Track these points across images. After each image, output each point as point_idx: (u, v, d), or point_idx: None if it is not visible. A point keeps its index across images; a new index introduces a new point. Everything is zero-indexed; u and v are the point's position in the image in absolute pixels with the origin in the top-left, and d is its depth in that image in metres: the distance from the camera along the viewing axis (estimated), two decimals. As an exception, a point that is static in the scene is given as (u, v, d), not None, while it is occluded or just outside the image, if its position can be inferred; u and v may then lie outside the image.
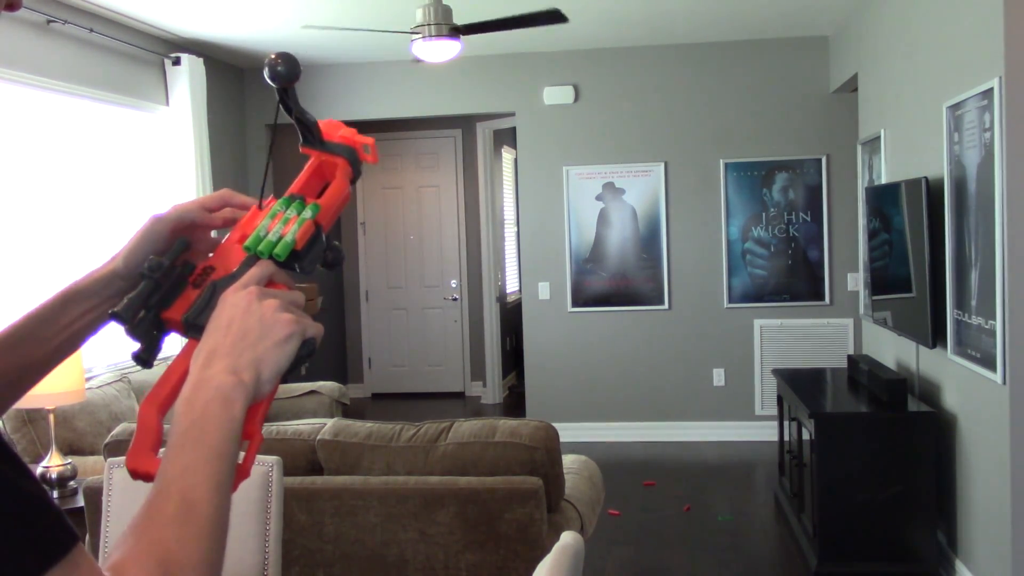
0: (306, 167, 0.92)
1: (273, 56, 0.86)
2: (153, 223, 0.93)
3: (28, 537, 0.61)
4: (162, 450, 0.76)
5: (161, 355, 0.86)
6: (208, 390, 0.75)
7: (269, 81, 0.86)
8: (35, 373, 0.97)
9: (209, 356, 0.77)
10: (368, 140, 0.94)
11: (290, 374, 0.80)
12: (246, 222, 0.88)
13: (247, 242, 0.85)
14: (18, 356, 0.93)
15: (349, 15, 5.32)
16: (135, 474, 0.77)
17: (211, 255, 0.87)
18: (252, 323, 0.78)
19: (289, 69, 0.86)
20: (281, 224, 0.85)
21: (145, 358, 0.82)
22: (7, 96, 4.43)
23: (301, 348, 0.80)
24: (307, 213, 0.86)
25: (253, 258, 0.84)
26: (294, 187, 0.90)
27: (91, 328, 0.95)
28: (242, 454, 0.78)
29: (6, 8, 0.78)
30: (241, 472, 0.77)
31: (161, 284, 0.82)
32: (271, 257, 0.84)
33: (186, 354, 0.81)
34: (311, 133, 0.92)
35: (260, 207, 0.90)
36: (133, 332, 0.81)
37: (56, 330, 0.93)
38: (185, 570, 0.70)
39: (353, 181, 0.95)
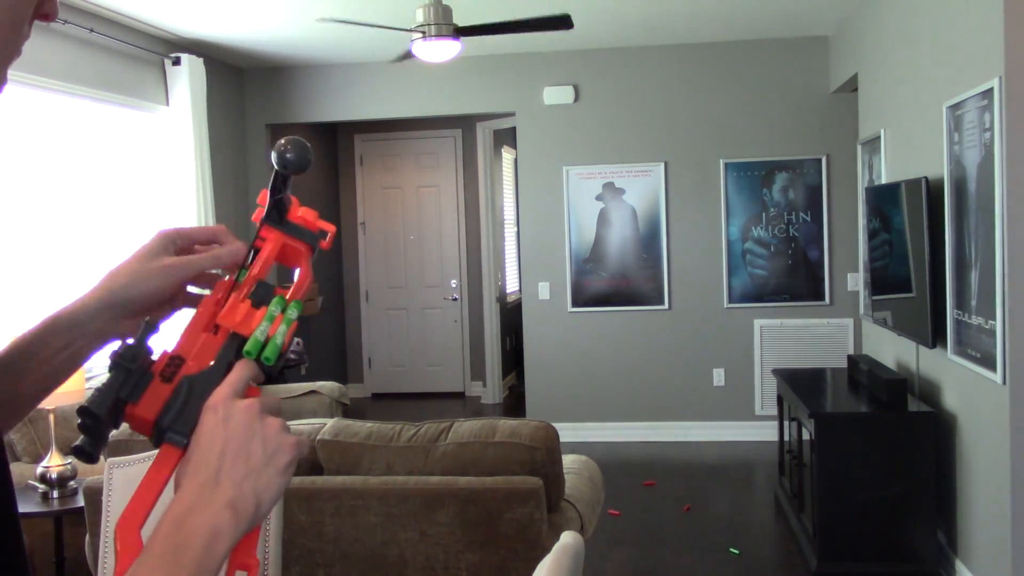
0: (267, 248, 0.85)
1: (284, 142, 0.82)
2: (142, 260, 0.87)
3: None
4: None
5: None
6: (201, 518, 0.68)
7: (277, 167, 0.82)
8: (20, 406, 0.92)
9: (207, 479, 0.70)
10: (328, 227, 0.88)
11: None
12: (216, 304, 0.81)
13: (247, 347, 0.77)
14: (9, 387, 0.89)
15: (349, 14, 5.31)
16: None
17: (176, 345, 0.78)
18: (256, 448, 0.72)
19: (300, 158, 0.82)
20: (266, 324, 0.78)
21: (91, 452, 0.73)
22: (7, 96, 4.43)
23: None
24: (292, 313, 0.81)
25: (229, 346, 0.78)
26: (259, 270, 0.83)
27: (75, 361, 0.90)
28: None
29: (41, 18, 0.76)
30: None
31: (132, 375, 0.74)
32: (257, 360, 0.77)
33: (162, 466, 0.73)
34: (280, 214, 0.86)
35: (237, 278, 0.83)
36: (93, 427, 0.73)
37: (38, 362, 0.88)
38: None
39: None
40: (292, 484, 2.95)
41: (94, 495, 2.98)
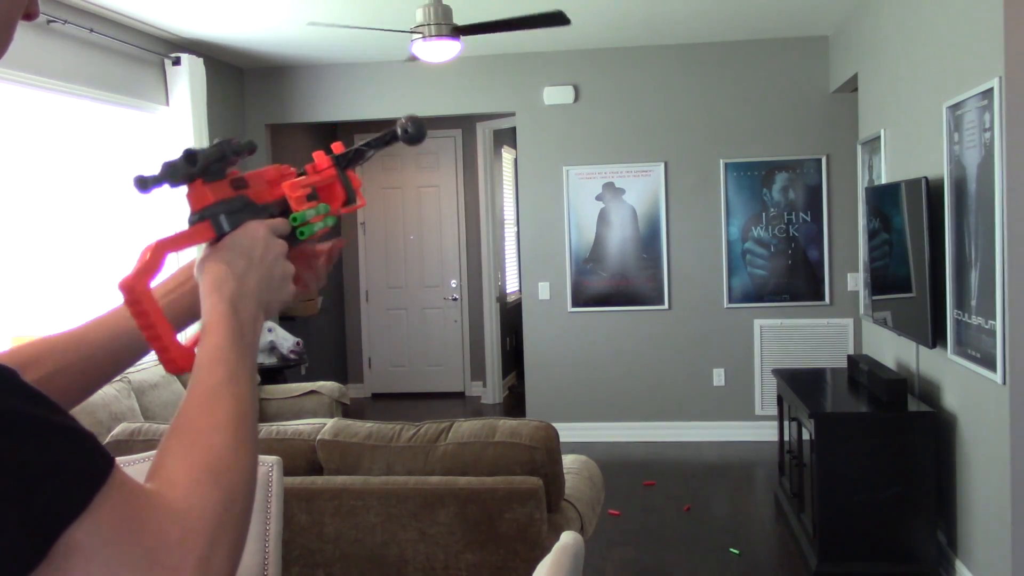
0: (325, 173, 1.03)
1: (404, 119, 1.02)
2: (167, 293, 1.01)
3: (72, 468, 0.63)
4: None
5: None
6: (247, 309, 0.85)
7: (401, 137, 1.02)
8: (109, 373, 1.03)
9: (245, 274, 0.86)
10: (363, 201, 1.09)
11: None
12: (280, 175, 0.97)
13: (295, 215, 0.94)
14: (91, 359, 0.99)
15: (349, 15, 5.32)
16: (131, 290, 0.80)
17: (248, 173, 0.93)
18: (278, 272, 0.89)
19: (418, 131, 1.02)
20: (313, 212, 0.97)
21: (151, 184, 0.84)
22: (7, 96, 4.43)
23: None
24: (329, 221, 1.00)
25: (276, 205, 0.94)
26: (314, 178, 1.02)
27: (65, 394, 0.98)
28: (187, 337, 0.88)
29: (24, 18, 0.81)
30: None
31: (220, 161, 0.87)
32: (293, 231, 0.94)
33: (195, 236, 0.87)
34: (349, 164, 1.05)
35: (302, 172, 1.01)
36: (172, 168, 0.84)
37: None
38: (235, 474, 0.75)
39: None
40: (292, 484, 2.96)
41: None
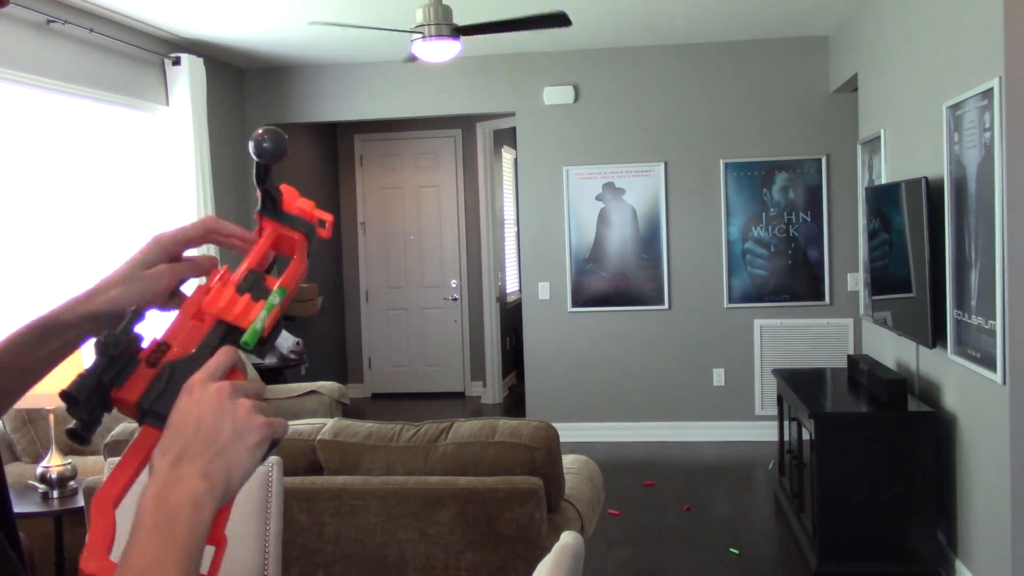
0: (263, 238, 0.87)
1: (260, 131, 0.84)
2: (132, 268, 0.89)
3: None
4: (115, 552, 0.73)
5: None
6: (179, 491, 0.71)
7: (254, 156, 0.84)
8: (6, 401, 0.94)
9: (179, 457, 0.73)
10: (326, 216, 0.90)
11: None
12: (204, 295, 0.83)
13: (243, 340, 0.81)
14: None
15: (349, 15, 5.32)
16: None
17: (165, 332, 0.81)
18: (225, 427, 0.74)
19: (276, 146, 0.84)
20: (264, 314, 0.82)
21: (84, 435, 0.76)
22: (7, 96, 4.43)
23: (269, 449, 0.78)
24: (274, 299, 0.83)
25: (215, 333, 0.80)
26: (251, 261, 0.86)
27: (53, 362, 0.93)
28: (208, 562, 0.75)
29: None
30: None
31: (116, 361, 0.76)
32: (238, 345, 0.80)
33: (140, 447, 0.76)
34: (274, 204, 0.88)
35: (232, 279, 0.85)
36: (79, 409, 0.75)
37: (33, 361, 0.91)
38: None
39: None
40: (292, 484, 2.95)
41: (94, 495, 2.98)
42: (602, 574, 4.19)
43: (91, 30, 4.89)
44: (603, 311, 6.67)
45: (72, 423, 0.77)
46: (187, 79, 5.71)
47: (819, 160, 6.38)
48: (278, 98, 6.93)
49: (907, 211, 4.22)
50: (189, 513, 0.71)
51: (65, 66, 4.77)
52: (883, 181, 4.99)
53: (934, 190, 3.93)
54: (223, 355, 0.78)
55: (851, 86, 5.91)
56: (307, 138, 8.01)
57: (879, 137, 5.08)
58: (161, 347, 0.79)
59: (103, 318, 0.89)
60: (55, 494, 3.54)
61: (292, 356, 6.19)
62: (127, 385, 0.77)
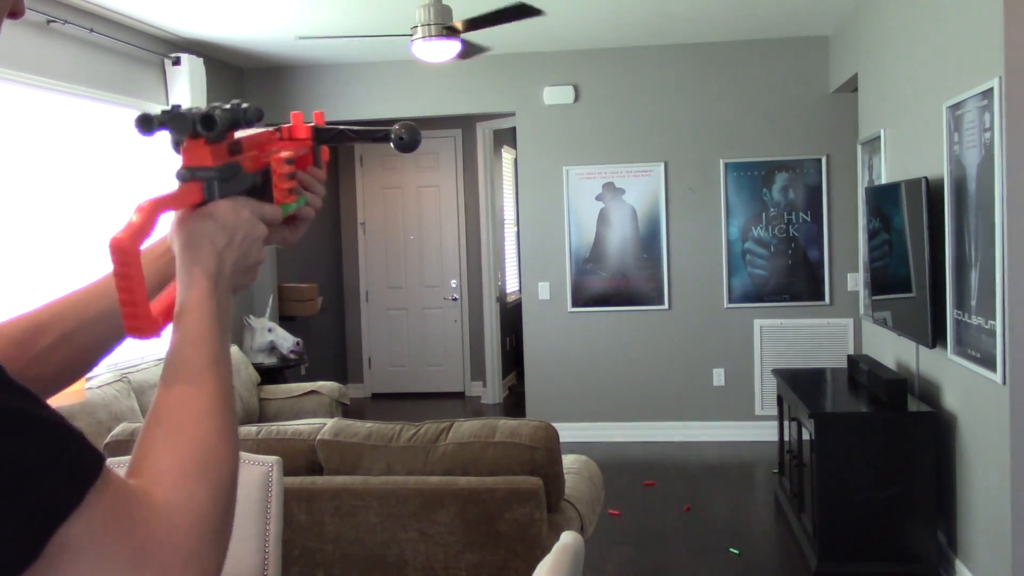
0: (301, 144, 1.01)
1: (398, 126, 1.02)
2: (155, 259, 0.98)
3: (64, 466, 0.63)
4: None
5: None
6: (223, 286, 0.83)
7: (394, 146, 1.03)
8: (90, 356, 0.99)
9: (223, 252, 0.83)
10: (325, 167, 1.08)
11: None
12: (272, 141, 0.97)
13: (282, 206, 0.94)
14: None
15: (349, 15, 5.32)
16: (122, 251, 0.77)
17: (245, 136, 0.92)
18: (253, 256, 0.87)
19: (412, 139, 1.03)
20: (295, 207, 0.98)
21: (153, 127, 0.83)
22: (7, 96, 4.43)
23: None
24: (302, 202, 1.01)
25: (259, 175, 0.91)
26: (294, 148, 0.99)
27: (80, 358, 0.95)
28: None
29: (9, 16, 0.80)
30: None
31: (220, 121, 0.84)
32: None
33: (184, 195, 0.85)
34: (330, 142, 1.04)
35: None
36: (179, 119, 0.83)
37: (43, 347, 0.93)
38: (221, 465, 0.74)
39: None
40: (292, 484, 2.96)
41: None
42: (602, 574, 4.19)
43: (91, 30, 4.89)
44: (603, 311, 6.67)
45: (161, 114, 0.83)
46: (187, 79, 5.71)
47: (819, 160, 6.38)
48: (278, 98, 6.93)
49: (907, 211, 4.22)
50: (227, 308, 0.83)
51: (65, 66, 4.77)
52: (883, 181, 4.99)
53: (934, 190, 3.93)
54: (274, 211, 0.91)
55: (851, 86, 5.91)
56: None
57: (879, 137, 5.08)
58: (239, 145, 0.89)
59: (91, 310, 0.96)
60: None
61: (292, 356, 6.19)
62: (214, 146, 0.85)
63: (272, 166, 0.93)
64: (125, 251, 0.76)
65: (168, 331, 0.82)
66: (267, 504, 2.30)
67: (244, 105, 0.87)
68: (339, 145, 1.04)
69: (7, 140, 4.42)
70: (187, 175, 0.85)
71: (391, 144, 1.02)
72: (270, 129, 0.98)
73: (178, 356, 0.78)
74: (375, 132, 1.03)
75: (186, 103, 5.72)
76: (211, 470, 0.72)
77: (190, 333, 0.79)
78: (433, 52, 4.45)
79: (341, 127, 1.03)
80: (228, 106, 0.85)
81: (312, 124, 1.03)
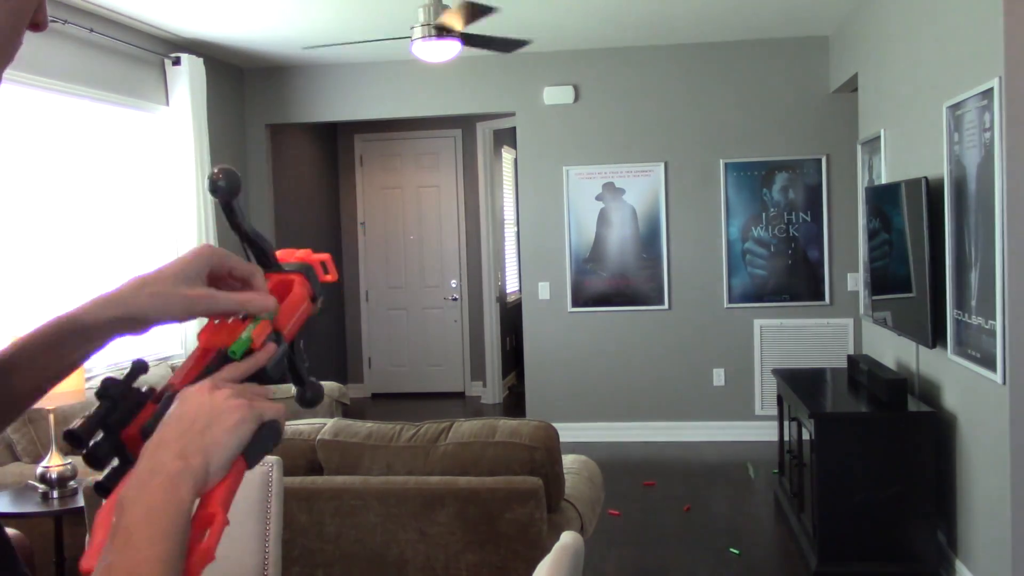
0: (289, 298, 0.91)
1: (215, 171, 0.86)
2: (171, 282, 0.88)
3: None
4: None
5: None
6: (156, 476, 0.72)
7: (210, 194, 0.88)
8: (16, 405, 0.93)
9: (157, 446, 0.74)
10: (324, 256, 0.94)
11: (254, 460, 0.77)
12: (216, 336, 0.86)
13: (231, 348, 0.83)
14: (7, 387, 0.90)
15: (349, 15, 5.32)
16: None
17: (174, 381, 0.83)
18: (202, 412, 0.76)
19: (230, 184, 0.86)
20: (246, 334, 0.85)
21: (107, 487, 0.77)
22: (7, 96, 4.43)
23: (263, 431, 0.78)
24: (264, 316, 0.86)
25: (212, 366, 0.83)
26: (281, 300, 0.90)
27: (76, 364, 0.92)
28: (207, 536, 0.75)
29: (32, 28, 0.79)
30: (204, 553, 0.73)
31: (119, 404, 0.78)
32: (227, 357, 0.83)
33: None
34: (264, 255, 0.91)
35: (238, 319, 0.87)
36: (90, 456, 0.77)
37: (41, 364, 0.90)
38: None
39: (314, 299, 0.94)
40: (292, 484, 2.96)
41: (94, 495, 2.98)
42: (602, 574, 4.19)
43: (91, 30, 4.89)
44: (603, 311, 6.67)
45: (99, 477, 0.78)
46: (187, 79, 5.71)
47: (819, 160, 6.38)
48: (278, 98, 6.93)
49: (907, 211, 4.22)
50: (165, 495, 0.72)
51: (65, 66, 4.77)
52: (883, 181, 4.99)
53: (934, 190, 3.93)
54: (221, 371, 0.81)
55: (851, 86, 5.91)
56: (307, 138, 8.02)
57: (879, 137, 5.08)
58: (168, 388, 0.81)
59: (131, 321, 0.88)
60: (55, 494, 3.54)
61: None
62: (133, 422, 0.79)
63: (208, 345, 0.85)
64: (108, 511, 0.72)
65: None
66: (267, 504, 2.30)
67: (110, 381, 0.79)
68: (261, 249, 0.92)
69: (7, 140, 4.42)
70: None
71: (213, 195, 0.88)
72: (202, 329, 0.87)
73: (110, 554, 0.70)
74: (231, 218, 0.89)
75: (186, 103, 5.71)
76: None
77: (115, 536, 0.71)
78: (433, 52, 4.45)
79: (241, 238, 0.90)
80: (96, 392, 0.79)
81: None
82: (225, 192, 0.85)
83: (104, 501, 0.75)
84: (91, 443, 0.77)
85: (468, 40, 4.37)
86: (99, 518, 0.74)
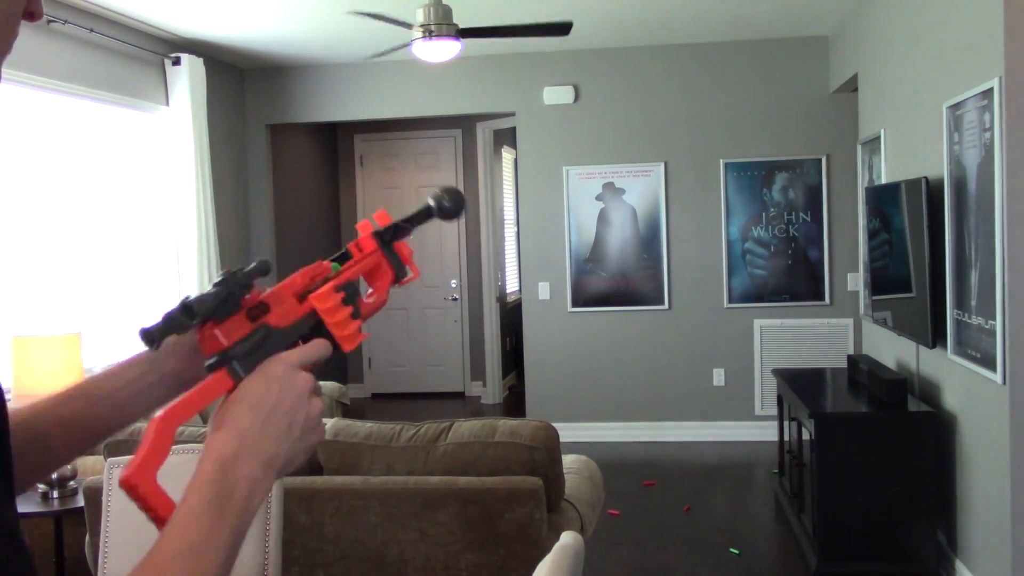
0: (368, 259, 0.94)
1: (443, 190, 0.97)
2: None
3: None
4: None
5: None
6: (241, 471, 0.74)
7: (435, 212, 0.98)
8: (107, 433, 0.93)
9: (253, 429, 0.75)
10: (415, 270, 0.98)
11: None
12: (310, 279, 0.88)
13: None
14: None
15: (348, 15, 5.31)
16: (132, 488, 0.72)
17: (267, 293, 0.85)
18: (299, 420, 0.77)
19: (455, 206, 0.98)
20: (339, 311, 0.87)
21: (157, 339, 0.77)
22: (7, 96, 4.43)
23: None
24: (363, 327, 0.90)
25: (307, 320, 0.85)
26: (353, 273, 0.92)
27: (144, 397, 0.92)
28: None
29: (27, 18, 0.80)
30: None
31: (233, 296, 0.80)
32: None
33: (210, 389, 0.78)
34: (394, 236, 0.96)
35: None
36: (172, 321, 0.78)
37: (111, 390, 0.91)
38: None
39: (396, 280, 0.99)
40: (292, 484, 2.96)
41: (94, 495, 2.98)
42: (602, 574, 4.19)
43: (91, 30, 4.89)
44: (603, 311, 6.67)
45: (155, 324, 0.78)
46: (187, 79, 5.71)
47: (819, 160, 6.38)
48: (278, 98, 6.93)
49: (907, 211, 4.22)
50: (244, 495, 0.73)
51: (65, 66, 4.77)
52: (883, 181, 4.99)
53: (934, 190, 3.93)
54: (318, 348, 0.82)
55: (851, 86, 5.91)
56: (307, 138, 8.02)
57: (879, 137, 5.08)
58: (261, 306, 0.82)
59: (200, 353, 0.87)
60: (55, 494, 3.54)
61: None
62: (225, 325, 0.80)
63: (316, 306, 0.86)
64: (135, 487, 0.72)
65: None
66: (267, 504, 2.30)
67: (239, 270, 0.81)
68: (405, 238, 0.98)
69: (7, 140, 4.42)
70: (212, 363, 0.79)
71: (437, 215, 0.98)
72: (322, 263, 0.91)
73: (160, 540, 0.71)
74: (423, 211, 0.98)
75: (186, 103, 5.72)
76: None
77: (178, 516, 0.71)
78: (433, 52, 4.45)
79: (395, 222, 0.96)
80: (221, 277, 0.80)
81: (375, 231, 0.96)
82: (452, 214, 0.98)
83: (162, 415, 0.75)
84: (166, 318, 0.77)
85: (506, 32, 4.32)
86: (152, 432, 0.73)
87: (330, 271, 0.90)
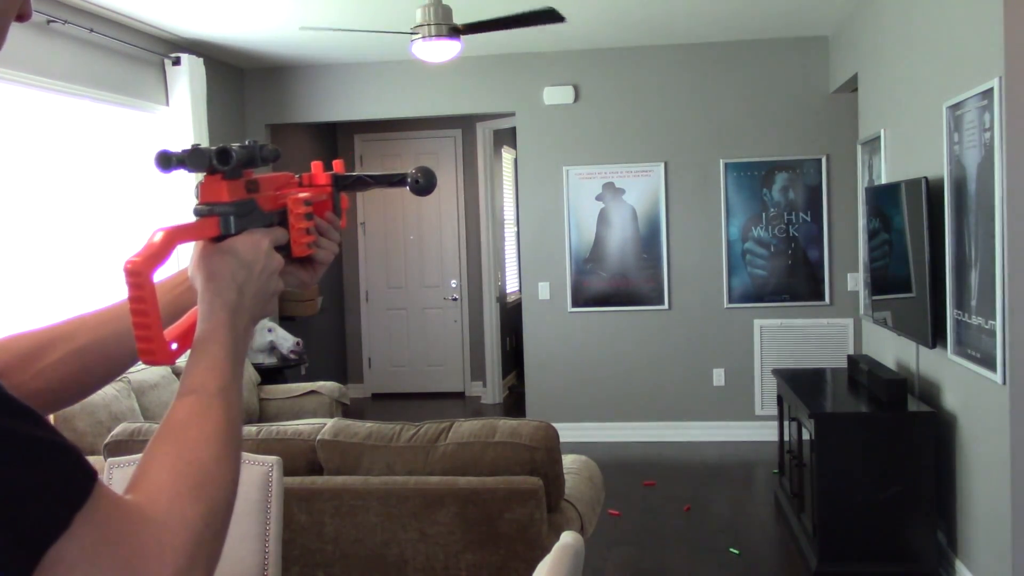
0: (322, 193, 1.05)
1: (416, 169, 1.06)
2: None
3: (56, 485, 0.64)
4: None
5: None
6: (242, 320, 0.87)
7: (410, 188, 1.06)
8: (116, 368, 1.02)
9: (246, 287, 0.87)
10: (343, 221, 1.10)
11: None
12: (281, 177, 1.00)
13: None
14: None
15: (348, 15, 5.32)
16: (136, 274, 0.80)
17: (261, 176, 0.96)
18: (270, 289, 0.90)
19: (428, 183, 1.06)
20: (303, 221, 0.99)
21: (171, 164, 0.86)
22: (7, 96, 4.43)
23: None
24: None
25: (277, 214, 0.95)
26: (312, 192, 1.03)
27: (90, 374, 1.01)
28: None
29: (17, 19, 0.82)
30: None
31: (253, 162, 0.90)
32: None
33: (202, 227, 0.87)
34: (349, 188, 1.08)
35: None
36: (199, 155, 0.86)
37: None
38: (217, 489, 0.76)
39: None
40: (292, 484, 2.96)
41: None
42: (602, 574, 4.19)
43: (91, 30, 4.89)
44: (603, 311, 6.67)
45: (185, 151, 0.87)
46: (187, 79, 5.71)
47: (819, 160, 6.38)
48: (278, 98, 6.93)
49: (907, 211, 4.22)
50: (246, 341, 0.88)
51: (65, 66, 4.77)
52: (883, 181, 4.99)
53: (934, 190, 3.93)
54: (282, 235, 0.95)
55: (851, 86, 5.91)
56: (307, 138, 8.02)
57: (879, 137, 5.08)
58: (256, 184, 0.93)
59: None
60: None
61: (292, 356, 6.19)
62: (231, 182, 0.89)
63: (289, 206, 0.97)
64: (140, 274, 0.79)
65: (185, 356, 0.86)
66: (267, 504, 2.30)
67: (261, 144, 0.91)
68: (357, 192, 1.12)
69: (7, 140, 4.42)
70: (204, 210, 0.88)
71: (407, 187, 1.06)
72: (289, 173, 1.02)
73: (192, 381, 0.81)
74: (392, 177, 1.07)
75: (186, 103, 5.72)
76: (206, 494, 0.74)
77: (205, 360, 0.82)
78: (433, 52, 4.45)
79: (359, 174, 1.07)
80: (245, 144, 0.89)
81: (331, 172, 1.06)
82: (424, 190, 1.06)
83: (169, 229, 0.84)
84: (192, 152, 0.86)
85: (498, 24, 4.32)
86: (156, 236, 0.82)
87: (295, 182, 1.02)
